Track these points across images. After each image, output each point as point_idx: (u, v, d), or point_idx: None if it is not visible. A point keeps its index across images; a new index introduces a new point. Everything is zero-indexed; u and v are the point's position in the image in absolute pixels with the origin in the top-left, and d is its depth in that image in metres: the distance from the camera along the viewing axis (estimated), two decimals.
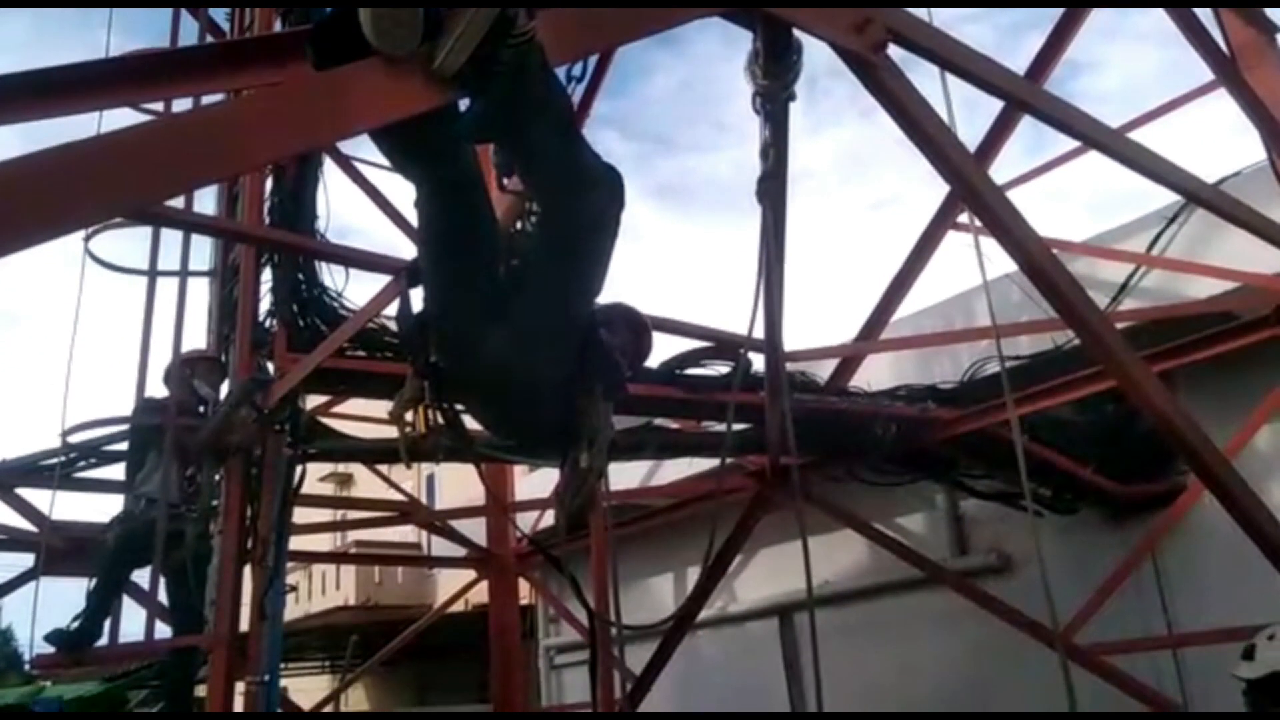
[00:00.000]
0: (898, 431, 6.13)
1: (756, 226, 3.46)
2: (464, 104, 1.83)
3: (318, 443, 5.04)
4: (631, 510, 9.11)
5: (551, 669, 10.87)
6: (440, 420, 2.35)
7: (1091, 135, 3.79)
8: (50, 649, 4.59)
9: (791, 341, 6.70)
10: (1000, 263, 4.05)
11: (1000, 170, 6.57)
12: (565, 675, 10.74)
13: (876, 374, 6.96)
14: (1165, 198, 6.08)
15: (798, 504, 4.00)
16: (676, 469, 8.35)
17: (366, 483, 13.56)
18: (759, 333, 3.13)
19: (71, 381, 4.76)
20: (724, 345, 5.60)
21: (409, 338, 2.33)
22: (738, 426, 6.40)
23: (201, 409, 5.04)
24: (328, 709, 8.45)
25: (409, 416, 2.36)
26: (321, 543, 14.05)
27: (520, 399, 2.35)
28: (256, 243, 4.82)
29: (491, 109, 1.79)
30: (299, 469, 4.79)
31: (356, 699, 14.88)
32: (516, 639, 8.52)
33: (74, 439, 5.00)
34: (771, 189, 2.82)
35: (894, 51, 2.75)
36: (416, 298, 2.35)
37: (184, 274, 4.70)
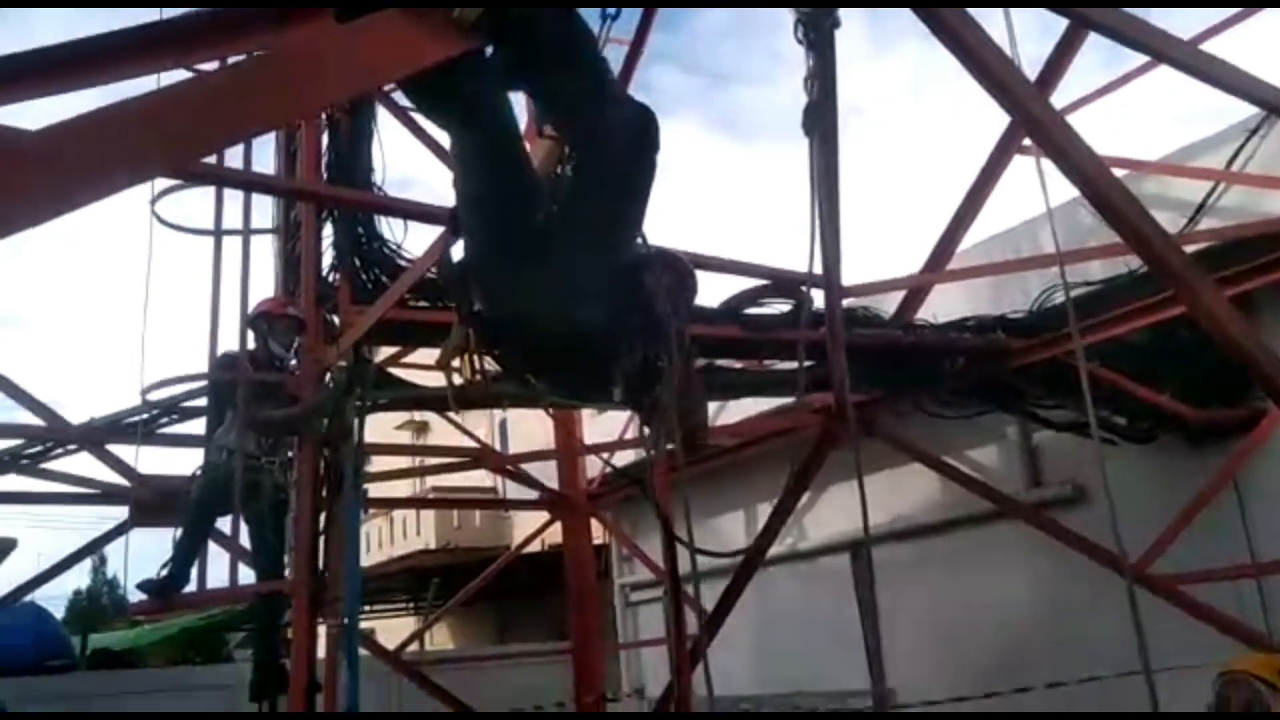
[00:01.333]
0: (966, 364, 6.03)
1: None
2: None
3: (385, 392, 5.15)
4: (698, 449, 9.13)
5: (627, 606, 11.07)
6: (484, 366, 2.38)
7: (1161, 49, 3.62)
8: (142, 596, 4.83)
9: (855, 275, 6.60)
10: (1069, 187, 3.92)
11: (1072, 85, 6.31)
12: (640, 613, 10.93)
13: (946, 306, 6.81)
14: (1247, 110, 5.79)
15: (855, 444, 3.95)
16: (740, 408, 8.35)
17: (441, 430, 13.84)
18: (817, 269, 3.08)
19: (148, 340, 4.92)
20: (782, 283, 5.53)
21: (450, 285, 2.36)
22: (805, 365, 6.37)
23: (278, 364, 5.20)
24: (411, 648, 8.72)
25: (456, 364, 2.39)
26: (401, 488, 14.45)
27: (561, 343, 2.35)
28: (314, 200, 4.90)
29: (510, 55, 1.78)
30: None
31: (440, 638, 15.35)
32: (591, 578, 8.67)
33: (153, 396, 5.18)
34: (818, 120, 2.76)
35: None
36: (459, 247, 2.37)
37: (247, 232, 4.79)
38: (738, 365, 6.79)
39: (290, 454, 4.98)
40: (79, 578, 30.94)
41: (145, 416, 5.83)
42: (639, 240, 2.39)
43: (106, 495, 6.84)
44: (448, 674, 8.24)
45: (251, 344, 5.04)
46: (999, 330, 6.09)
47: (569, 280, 2.24)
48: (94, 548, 7.38)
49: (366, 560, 16.35)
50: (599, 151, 2.15)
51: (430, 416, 16.85)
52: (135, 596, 4.98)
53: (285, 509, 4.93)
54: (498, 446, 13.08)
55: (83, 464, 6.79)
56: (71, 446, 6.28)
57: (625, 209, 2.26)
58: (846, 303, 6.35)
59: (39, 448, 6.39)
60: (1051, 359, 6.00)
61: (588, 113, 2.09)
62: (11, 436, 6.19)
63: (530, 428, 12.63)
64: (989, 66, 2.86)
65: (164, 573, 4.78)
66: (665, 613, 10.29)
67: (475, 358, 2.40)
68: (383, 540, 14.96)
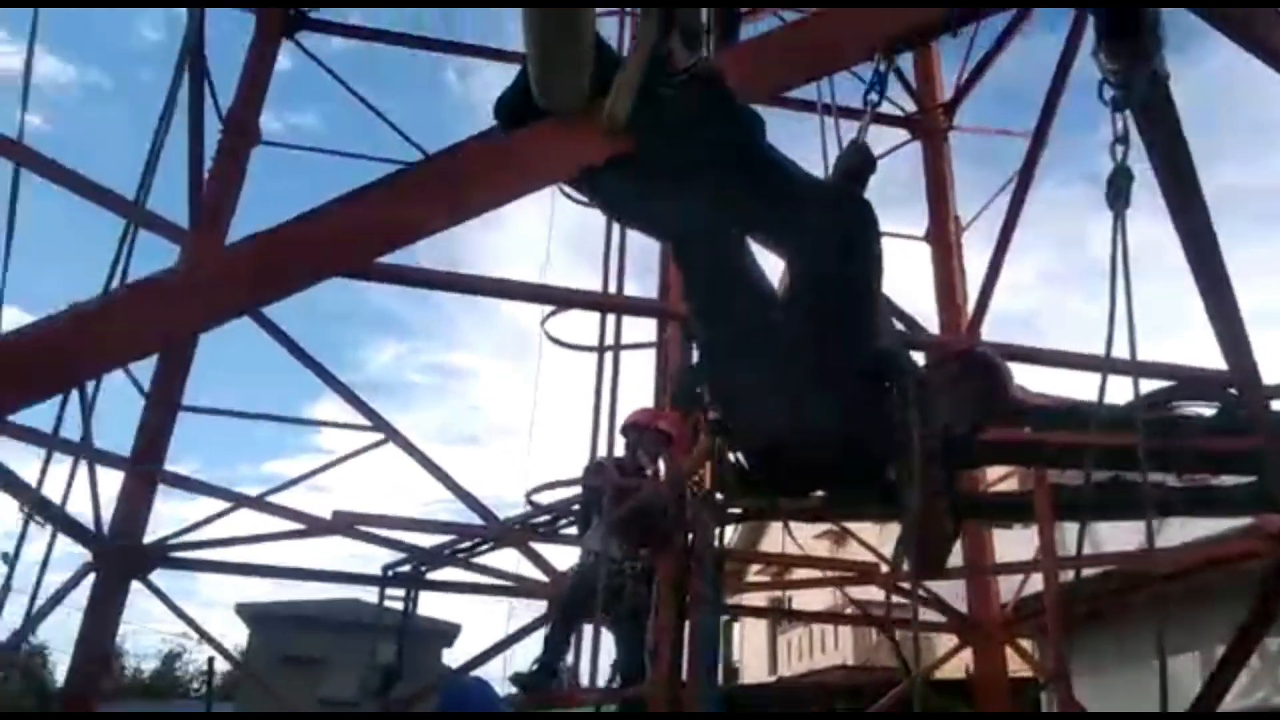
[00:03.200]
0: None
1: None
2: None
3: (745, 501, 5.15)
4: (1132, 577, 8.00)
5: None
6: (730, 475, 2.28)
7: None
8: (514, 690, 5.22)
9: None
10: None
11: None
12: None
13: None
14: None
15: None
16: (1187, 528, 7.17)
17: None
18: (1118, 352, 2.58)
19: (554, 447, 5.42)
20: (1193, 383, 4.72)
21: (683, 394, 2.31)
22: (1243, 479, 5.34)
23: (643, 474, 5.46)
24: None
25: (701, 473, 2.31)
26: (820, 599, 14.26)
27: (802, 447, 2.19)
28: (678, 319, 5.13)
29: (662, 147, 1.74)
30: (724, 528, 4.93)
31: None
32: (1001, 712, 7.83)
33: (538, 499, 5.66)
34: (1121, 192, 2.34)
35: None
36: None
37: (616, 348, 5.13)
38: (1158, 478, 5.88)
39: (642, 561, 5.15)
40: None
41: (547, 518, 6.38)
42: (880, 337, 2.18)
43: (526, 589, 7.50)
44: None
45: (622, 453, 5.35)
46: None
47: (799, 387, 2.10)
48: (519, 636, 8.12)
49: (785, 670, 16.27)
50: (808, 259, 2.01)
51: (853, 526, 16.55)
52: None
53: (646, 614, 5.07)
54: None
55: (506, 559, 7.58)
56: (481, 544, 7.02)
57: (849, 310, 2.08)
58: None
59: (470, 544, 7.23)
60: None
61: (782, 219, 1.97)
62: (446, 533, 7.08)
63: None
64: None
65: (533, 668, 5.14)
66: None
67: (718, 466, 2.32)
68: (802, 652, 14.78)
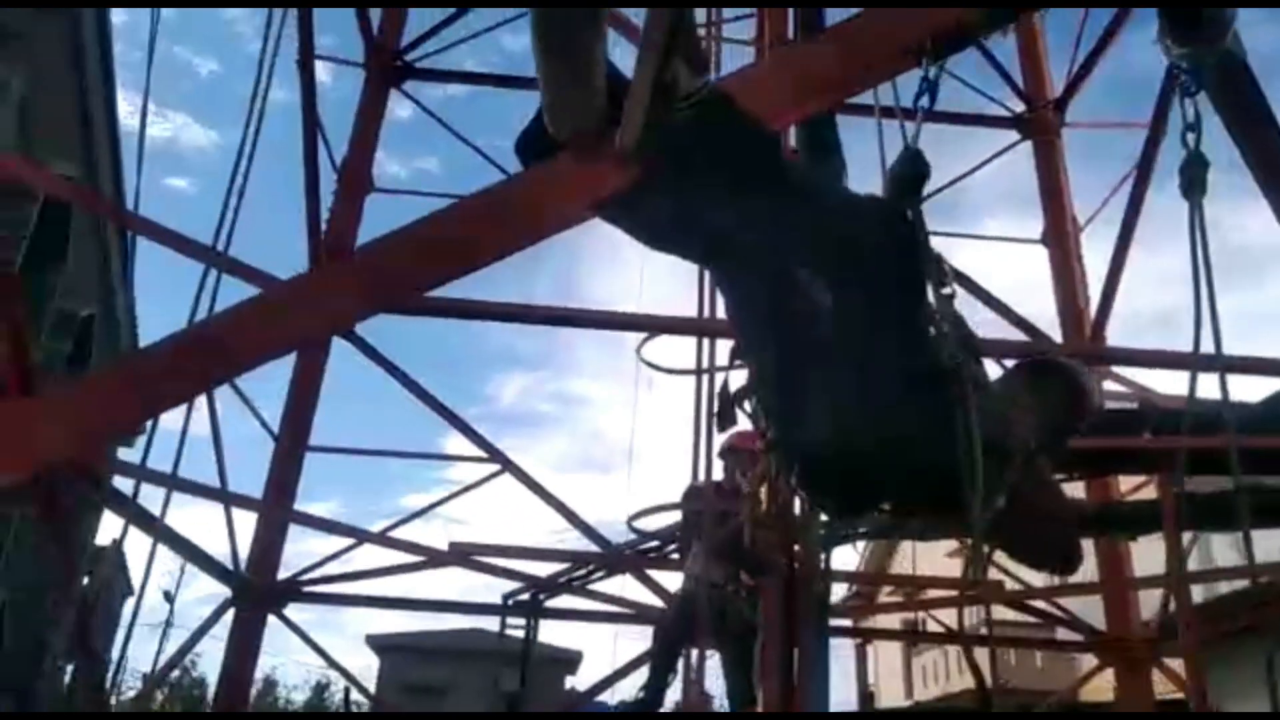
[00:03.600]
0: None
1: None
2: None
3: (847, 523, 5.05)
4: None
5: None
6: (792, 495, 2.24)
7: None
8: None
9: None
10: None
11: None
12: None
13: None
14: None
15: None
16: None
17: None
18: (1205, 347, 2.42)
19: (650, 470, 5.45)
20: None
21: (722, 416, 2.28)
22: None
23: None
24: None
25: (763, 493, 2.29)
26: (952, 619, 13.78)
27: (854, 462, 2.13)
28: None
29: (676, 173, 1.74)
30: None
31: None
32: None
33: (639, 524, 5.69)
34: (1195, 181, 2.21)
35: None
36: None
37: (701, 371, 5.13)
38: None
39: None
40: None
41: (656, 543, 6.40)
42: (936, 346, 2.10)
43: (643, 614, 7.52)
44: None
45: (721, 475, 5.33)
46: None
47: (849, 402, 2.05)
48: (640, 662, 8.14)
49: (921, 693, 15.77)
50: (846, 273, 1.97)
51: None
52: None
53: (752, 638, 5.01)
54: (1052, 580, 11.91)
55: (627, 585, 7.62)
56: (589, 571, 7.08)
57: (893, 322, 2.02)
58: None
59: (585, 570, 7.30)
60: None
61: (813, 236, 1.93)
62: (560, 560, 7.18)
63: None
64: None
65: (639, 695, 5.14)
66: None
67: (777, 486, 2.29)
68: (937, 674, 14.31)
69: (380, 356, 7.75)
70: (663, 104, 1.68)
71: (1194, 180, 2.17)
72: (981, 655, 13.87)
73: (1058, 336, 8.47)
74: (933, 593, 9.95)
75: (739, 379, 2.30)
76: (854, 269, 2.03)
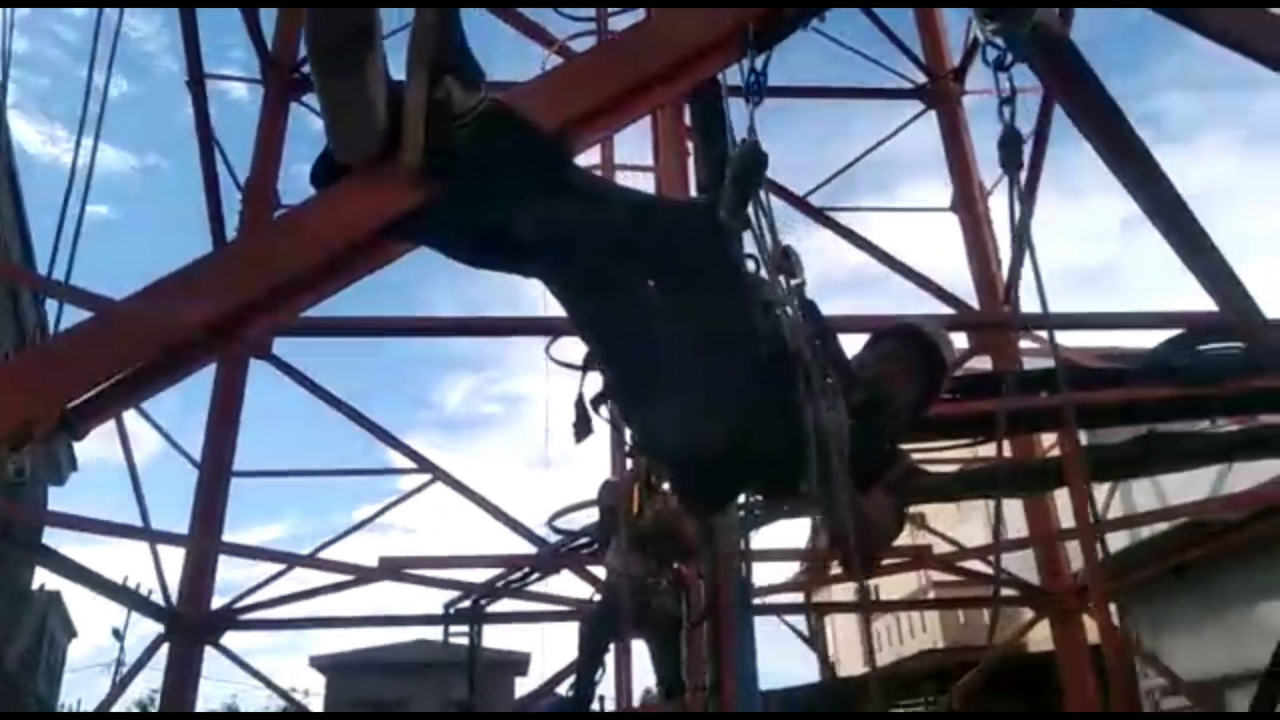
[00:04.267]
0: None
1: None
2: None
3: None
4: (1206, 525, 7.72)
5: None
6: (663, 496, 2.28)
7: None
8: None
9: None
10: None
11: None
12: None
13: None
14: None
15: None
16: (1256, 472, 6.87)
17: (945, 521, 13.25)
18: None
19: (559, 472, 5.46)
20: (1201, 328, 4.56)
21: (577, 421, 2.29)
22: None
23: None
24: None
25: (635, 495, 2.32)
26: (905, 585, 14.03)
27: (709, 458, 2.16)
28: None
29: (462, 192, 1.74)
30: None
31: None
32: (1087, 685, 7.59)
33: (560, 522, 5.70)
34: (1013, 156, 2.26)
35: None
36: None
37: None
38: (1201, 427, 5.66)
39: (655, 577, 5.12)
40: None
41: (586, 540, 6.41)
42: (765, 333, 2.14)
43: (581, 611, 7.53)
44: None
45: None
46: None
47: (696, 401, 2.08)
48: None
49: (879, 659, 15.98)
50: (660, 276, 1.99)
51: (930, 509, 16.26)
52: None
53: (677, 628, 5.05)
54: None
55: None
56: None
57: (718, 317, 2.05)
58: None
59: (521, 573, 7.29)
60: None
61: (623, 242, 1.95)
62: (493, 566, 7.17)
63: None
64: None
65: (570, 693, 5.17)
66: None
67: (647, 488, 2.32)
68: (892, 639, 14.56)
69: (300, 375, 7.66)
70: (439, 123, 1.69)
71: (1010, 154, 2.23)
72: (931, 618, 14.19)
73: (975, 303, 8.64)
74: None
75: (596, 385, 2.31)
76: (667, 270, 2.04)
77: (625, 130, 7.53)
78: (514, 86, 1.96)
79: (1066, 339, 7.62)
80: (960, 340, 8.38)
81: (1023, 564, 8.93)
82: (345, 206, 1.72)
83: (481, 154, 1.76)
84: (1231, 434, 5.25)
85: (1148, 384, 4.80)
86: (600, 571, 6.36)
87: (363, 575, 6.71)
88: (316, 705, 10.93)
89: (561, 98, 1.81)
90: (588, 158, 6.99)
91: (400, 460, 7.80)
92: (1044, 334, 7.83)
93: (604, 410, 2.32)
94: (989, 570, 8.36)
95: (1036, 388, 5.01)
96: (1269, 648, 5.87)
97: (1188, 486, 7.53)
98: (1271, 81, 2.39)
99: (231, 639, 7.29)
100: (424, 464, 7.71)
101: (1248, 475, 6.94)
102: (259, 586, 7.15)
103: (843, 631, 18.25)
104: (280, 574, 7.34)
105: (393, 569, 6.60)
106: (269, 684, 7.60)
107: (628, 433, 2.37)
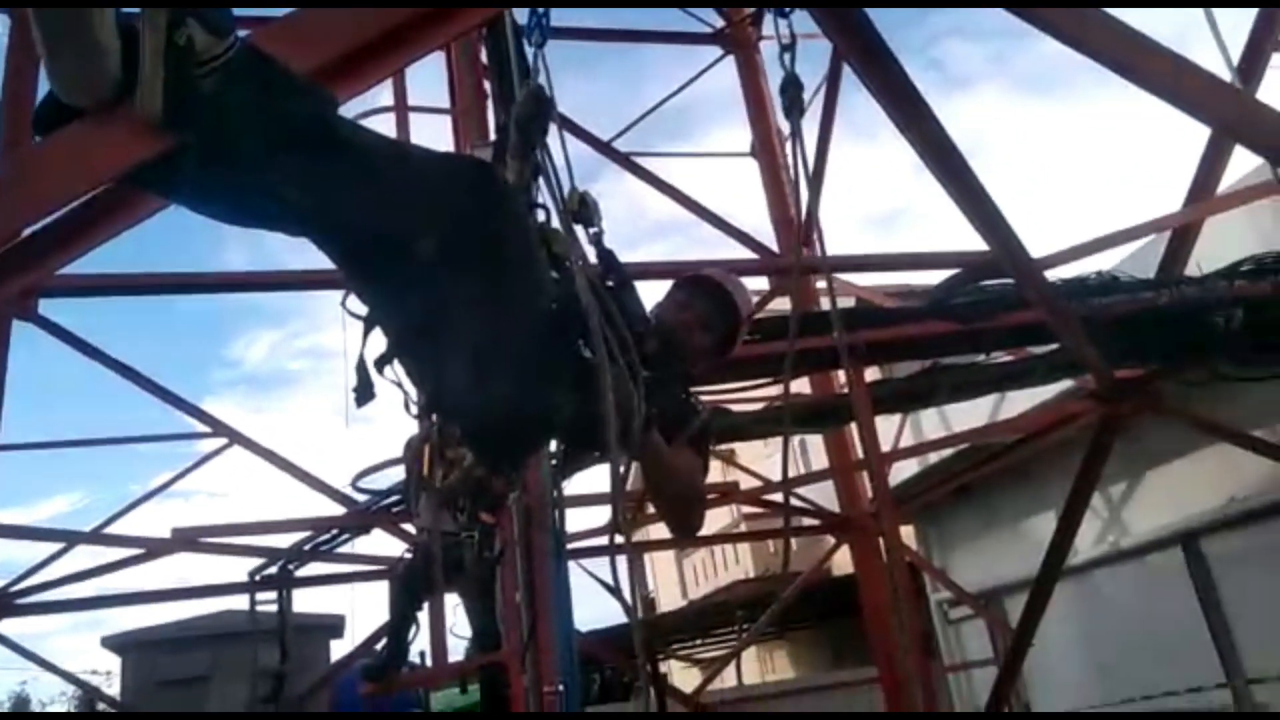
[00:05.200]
0: (1247, 316, 4.95)
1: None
2: None
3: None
4: (986, 449, 8.38)
5: (948, 624, 10.26)
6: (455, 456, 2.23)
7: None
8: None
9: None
10: None
11: None
12: (964, 630, 10.08)
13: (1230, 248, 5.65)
14: None
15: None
16: (1030, 398, 7.47)
17: (752, 456, 13.78)
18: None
19: (370, 429, 5.28)
20: (979, 268, 4.87)
21: (360, 389, 2.21)
22: (1049, 348, 5.58)
23: None
24: (716, 681, 8.65)
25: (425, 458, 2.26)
26: (719, 519, 14.51)
27: (499, 415, 2.13)
28: None
29: (209, 145, 1.61)
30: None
31: (781, 665, 15.16)
32: (882, 601, 8.11)
33: (364, 483, 5.54)
34: (797, 104, 2.33)
35: None
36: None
37: None
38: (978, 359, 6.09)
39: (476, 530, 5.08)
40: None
41: (395, 499, 6.26)
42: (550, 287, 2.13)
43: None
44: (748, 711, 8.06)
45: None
46: None
47: (478, 355, 2.04)
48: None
49: (694, 592, 16.63)
50: (437, 233, 1.92)
51: (738, 446, 16.89)
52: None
53: (491, 580, 5.03)
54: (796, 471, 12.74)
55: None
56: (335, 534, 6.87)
57: (499, 270, 2.02)
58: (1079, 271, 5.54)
59: (330, 535, 7.07)
60: None
61: (395, 198, 1.87)
62: (298, 529, 6.91)
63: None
64: None
65: (383, 652, 5.08)
66: (989, 629, 9.45)
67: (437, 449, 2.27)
68: (707, 573, 15.10)
69: (71, 336, 7.06)
70: (181, 67, 1.54)
71: (793, 100, 2.27)
72: (743, 550, 14.78)
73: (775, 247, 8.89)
74: None
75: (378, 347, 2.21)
76: (442, 225, 1.97)
77: (419, 70, 7.28)
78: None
79: (863, 279, 8.00)
80: (762, 284, 8.66)
81: (830, 493, 9.42)
82: (77, 154, 1.54)
83: (230, 103, 1.61)
84: (1004, 364, 5.67)
85: (931, 321, 5.08)
86: (413, 529, 6.24)
87: (154, 548, 6.32)
88: (118, 687, 10.32)
89: (318, 39, 1.68)
90: (376, 98, 6.71)
91: (195, 425, 7.37)
92: (840, 276, 8.21)
93: (389, 371, 2.23)
94: (795, 502, 8.73)
95: (827, 328, 5.21)
96: (1039, 556, 6.47)
97: (969, 414, 8.09)
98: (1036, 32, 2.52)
99: (19, 624, 6.76)
100: (219, 427, 7.31)
101: (1020, 402, 7.56)
102: (38, 567, 6.62)
103: (661, 569, 18.85)
104: (61, 552, 6.83)
105: (188, 539, 6.24)
106: (55, 669, 7.09)
107: (414, 394, 2.27)
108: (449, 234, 1.95)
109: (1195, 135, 5.32)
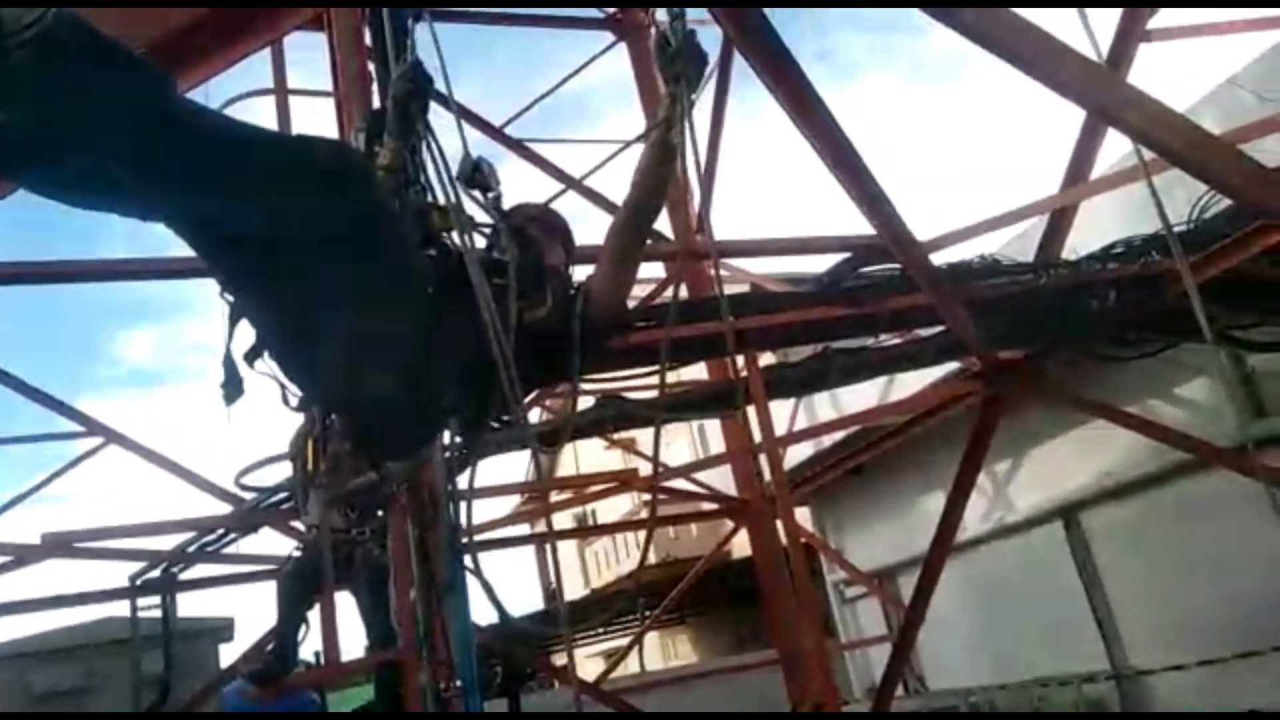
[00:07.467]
0: (1119, 297, 5.15)
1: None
2: None
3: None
4: (877, 430, 8.57)
5: (844, 603, 10.49)
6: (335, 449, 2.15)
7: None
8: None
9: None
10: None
11: None
12: (859, 609, 10.32)
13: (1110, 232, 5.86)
14: None
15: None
16: (919, 379, 7.65)
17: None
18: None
19: (243, 425, 5.07)
20: (865, 251, 4.95)
21: (229, 385, 2.10)
22: (935, 330, 5.71)
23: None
24: (620, 668, 8.66)
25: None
26: (622, 506, 14.53)
27: (377, 401, 2.06)
28: None
29: (28, 125, 1.49)
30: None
31: (684, 651, 15.32)
32: (780, 582, 8.23)
33: (248, 480, 5.35)
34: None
35: None
36: None
37: None
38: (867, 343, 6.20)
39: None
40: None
41: (283, 496, 6.05)
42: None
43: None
44: (651, 697, 8.07)
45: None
46: (1153, 252, 5.14)
47: (348, 342, 1.96)
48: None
49: (596, 580, 16.65)
50: (292, 214, 1.83)
51: (637, 434, 16.97)
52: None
53: (384, 577, 4.91)
54: (696, 456, 12.84)
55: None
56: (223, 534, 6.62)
57: (366, 253, 1.94)
58: (962, 255, 5.69)
59: (219, 534, 6.80)
60: (1234, 271, 5.00)
61: (246, 179, 1.76)
62: (180, 531, 6.62)
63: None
64: None
65: (270, 655, 4.92)
66: (883, 607, 9.70)
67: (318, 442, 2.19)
68: (609, 560, 15.11)
69: None
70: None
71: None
72: (643, 536, 14.81)
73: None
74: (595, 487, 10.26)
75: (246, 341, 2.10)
76: (298, 209, 1.86)
77: (300, 51, 7.02)
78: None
79: (756, 265, 8.07)
80: (658, 270, 8.67)
81: (729, 478, 9.50)
82: None
83: (49, 79, 1.47)
84: (894, 347, 5.78)
85: (822, 306, 5.14)
86: (302, 526, 6.05)
87: (24, 555, 5.97)
88: None
89: (146, 14, 1.55)
90: (256, 82, 6.46)
91: (67, 425, 7.00)
92: (734, 262, 8.26)
93: (260, 365, 2.12)
94: (694, 488, 8.78)
95: (714, 315, 5.22)
96: (929, 535, 6.65)
97: (860, 396, 8.25)
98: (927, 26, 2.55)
99: None
100: (94, 426, 6.96)
101: (909, 384, 7.74)
102: None
103: (565, 560, 18.78)
104: None
105: (61, 543, 5.91)
106: None
107: (289, 388, 2.17)
108: (304, 223, 1.85)
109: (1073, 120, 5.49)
